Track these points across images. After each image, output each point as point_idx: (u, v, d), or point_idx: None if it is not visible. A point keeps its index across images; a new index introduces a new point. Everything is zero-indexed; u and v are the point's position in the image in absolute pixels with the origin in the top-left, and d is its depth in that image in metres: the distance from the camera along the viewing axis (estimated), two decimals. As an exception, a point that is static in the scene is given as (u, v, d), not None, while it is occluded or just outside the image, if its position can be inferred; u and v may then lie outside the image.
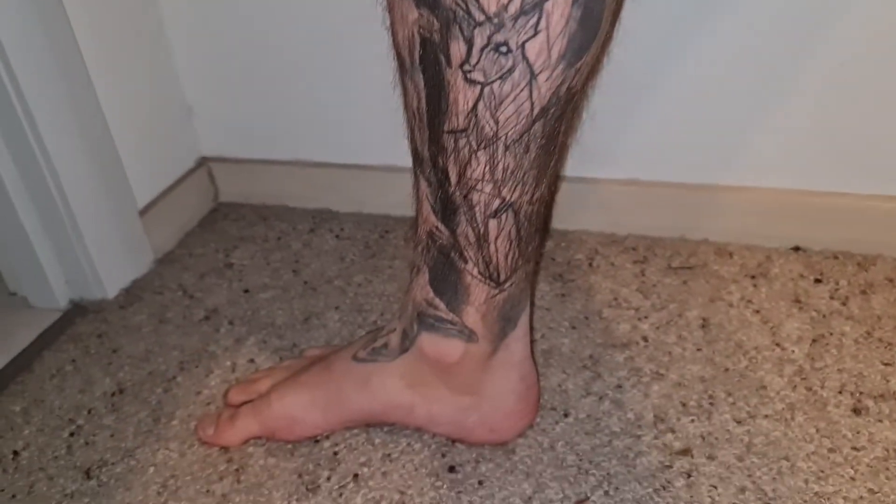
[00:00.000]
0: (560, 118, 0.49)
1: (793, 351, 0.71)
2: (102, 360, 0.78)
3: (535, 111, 0.47)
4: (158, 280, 0.91)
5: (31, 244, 0.85)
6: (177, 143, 1.01)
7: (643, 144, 0.86)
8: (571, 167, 0.89)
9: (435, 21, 0.44)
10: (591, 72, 0.49)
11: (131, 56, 0.91)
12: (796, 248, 0.85)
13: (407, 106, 0.52)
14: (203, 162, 1.04)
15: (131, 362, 0.77)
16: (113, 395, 0.73)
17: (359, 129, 0.96)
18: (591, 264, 0.86)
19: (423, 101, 0.49)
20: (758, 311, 0.77)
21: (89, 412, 0.72)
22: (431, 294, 0.59)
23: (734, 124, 0.82)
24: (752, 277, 0.81)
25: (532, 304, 0.68)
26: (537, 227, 0.57)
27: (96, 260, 0.86)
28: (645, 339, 0.74)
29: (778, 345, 0.72)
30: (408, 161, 0.92)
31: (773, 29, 0.75)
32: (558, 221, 0.92)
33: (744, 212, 0.86)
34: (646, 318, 0.77)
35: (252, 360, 0.76)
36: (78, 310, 0.87)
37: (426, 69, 0.47)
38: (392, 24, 0.49)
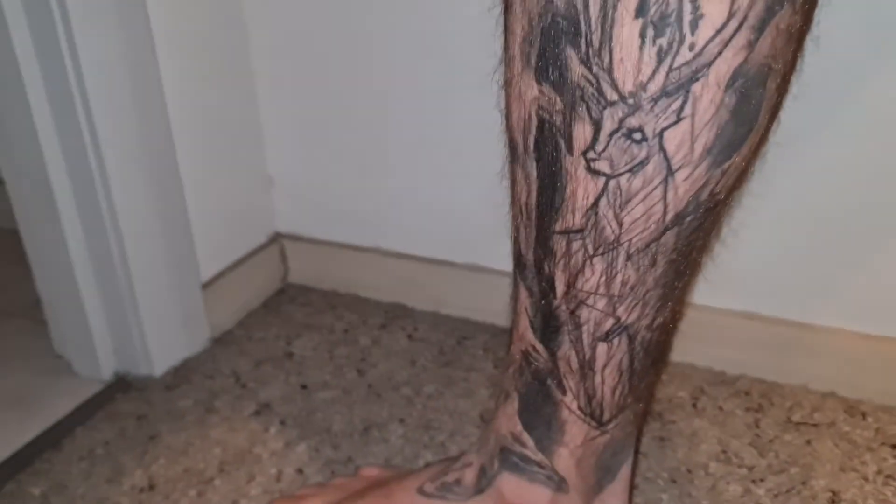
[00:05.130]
0: (697, 230, 0.42)
1: (945, 548, 0.61)
2: (137, 446, 0.73)
3: (669, 217, 0.40)
4: (211, 362, 0.86)
5: (83, 306, 0.82)
6: (252, 215, 0.98)
7: (768, 273, 0.78)
8: (681, 290, 0.82)
9: (558, 100, 0.39)
10: (739, 177, 0.43)
11: (218, 120, 0.89)
12: (944, 417, 0.75)
13: (514, 200, 0.46)
14: (276, 238, 1.01)
15: (168, 454, 0.72)
16: (142, 490, 0.68)
17: (445, 223, 0.91)
18: (695, 405, 0.77)
19: (535, 193, 0.43)
20: (899, 490, 0.66)
21: (113, 507, 0.66)
22: (519, 427, 0.52)
23: (877, 265, 0.74)
24: (893, 447, 0.71)
25: (636, 454, 0.60)
26: (654, 358, 0.49)
27: (148, 332, 0.82)
28: (760, 506, 0.65)
29: (925, 537, 0.62)
30: (495, 262, 0.88)
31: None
32: (660, 350, 0.85)
33: (882, 366, 0.76)
34: (761, 480, 0.68)
35: (300, 471, 0.69)
36: (121, 384, 0.83)
37: (541, 156, 0.42)
38: (507, 102, 0.44)
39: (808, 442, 0.72)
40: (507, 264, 0.50)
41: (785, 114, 0.65)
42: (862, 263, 0.75)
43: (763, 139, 0.43)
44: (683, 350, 0.83)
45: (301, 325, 0.93)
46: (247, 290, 0.96)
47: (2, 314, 0.98)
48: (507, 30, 0.42)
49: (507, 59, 0.42)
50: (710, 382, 0.81)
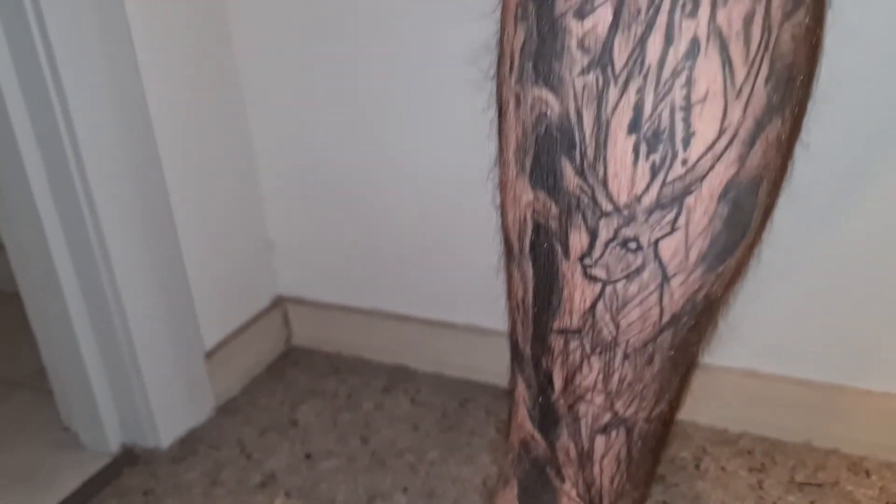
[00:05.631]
0: (693, 328, 0.43)
1: None
2: (144, 524, 0.74)
3: (665, 319, 0.41)
4: (217, 432, 0.87)
5: (88, 378, 0.83)
6: (254, 279, 0.99)
7: (766, 331, 0.79)
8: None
9: (553, 206, 0.40)
10: (734, 277, 0.44)
11: (217, 185, 0.91)
12: (948, 473, 0.75)
13: (511, 295, 0.47)
14: (279, 301, 1.02)
15: (174, 532, 0.73)
16: (149, 572, 0.68)
17: (445, 284, 0.92)
18: (697, 466, 0.78)
19: (531, 293, 0.44)
20: (903, 553, 0.67)
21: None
22: (519, 513, 0.52)
23: (874, 320, 0.74)
24: (897, 508, 0.71)
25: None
26: (652, 447, 0.50)
27: (154, 404, 0.83)
28: (764, 574, 0.65)
29: None
30: (496, 323, 0.89)
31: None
32: (662, 408, 0.85)
33: (885, 422, 0.76)
34: (766, 546, 0.68)
35: (306, 548, 0.70)
36: (128, 457, 0.84)
37: (537, 258, 0.42)
38: (503, 203, 0.44)
39: (812, 503, 0.72)
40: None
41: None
42: (860, 321, 0.75)
43: (756, 240, 0.43)
44: (685, 409, 0.84)
45: (305, 390, 0.94)
46: (251, 356, 0.97)
47: (8, 383, 0.99)
48: (501, 134, 0.42)
49: (502, 163, 0.43)
50: (713, 441, 0.81)
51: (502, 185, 0.43)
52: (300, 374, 0.97)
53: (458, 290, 0.91)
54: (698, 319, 0.42)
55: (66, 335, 0.81)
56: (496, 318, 0.87)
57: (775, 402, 0.81)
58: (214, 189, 0.90)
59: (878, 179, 0.70)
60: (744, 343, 0.80)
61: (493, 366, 0.85)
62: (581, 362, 0.44)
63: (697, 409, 0.83)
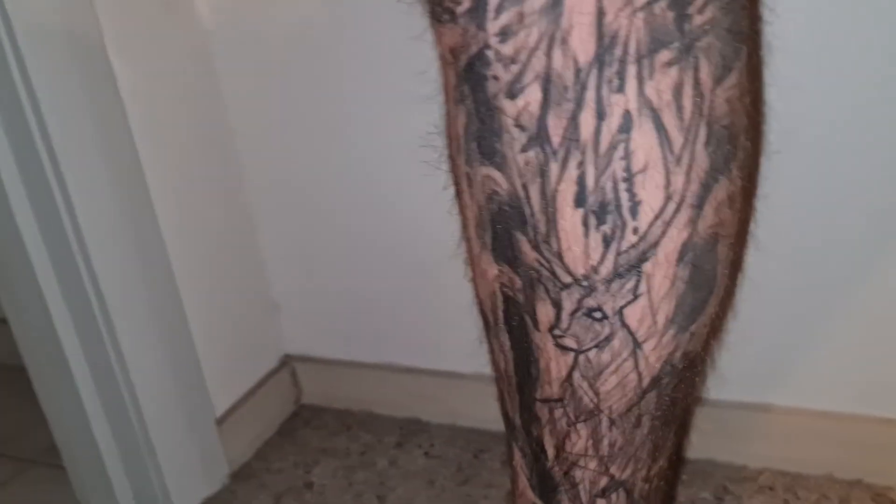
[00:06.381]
0: (677, 387, 0.43)
1: None
2: None
3: (645, 382, 0.41)
4: (232, 500, 0.86)
5: (101, 454, 0.83)
6: (260, 341, 0.99)
7: (778, 364, 0.78)
8: (693, 387, 0.81)
9: (517, 279, 0.40)
10: (711, 332, 0.43)
11: (218, 251, 0.91)
12: (976, 498, 0.74)
13: (494, 366, 0.47)
14: (287, 361, 1.02)
15: None
16: None
17: (452, 334, 0.92)
18: (719, 506, 0.77)
19: (511, 364, 0.44)
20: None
21: None
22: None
23: (893, 345, 0.74)
24: (925, 540, 0.70)
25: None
26: (660, 501, 0.49)
27: (167, 476, 0.83)
28: None
29: None
30: (506, 370, 0.88)
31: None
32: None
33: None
34: (793, 589, 0.67)
35: None
36: (143, 532, 0.83)
37: (511, 330, 0.43)
38: (473, 277, 0.45)
39: (838, 539, 0.71)
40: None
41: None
42: (877, 348, 0.74)
43: (728, 296, 0.44)
44: (702, 446, 0.83)
45: (318, 450, 0.93)
46: (262, 419, 0.97)
47: (22, 461, 0.99)
48: (460, 212, 0.43)
49: (466, 238, 0.43)
50: (733, 479, 0.80)
51: (470, 260, 0.44)
52: (312, 434, 0.96)
53: (467, 340, 0.90)
54: (681, 377, 0.42)
55: (75, 411, 0.81)
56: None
57: (794, 436, 0.79)
58: (216, 254, 0.91)
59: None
60: (756, 377, 0.79)
61: (506, 414, 0.85)
62: (568, 429, 0.44)
63: (714, 446, 0.82)
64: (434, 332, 0.93)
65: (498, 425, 0.90)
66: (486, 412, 0.91)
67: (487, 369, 0.89)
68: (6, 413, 1.10)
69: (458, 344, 0.91)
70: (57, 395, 0.82)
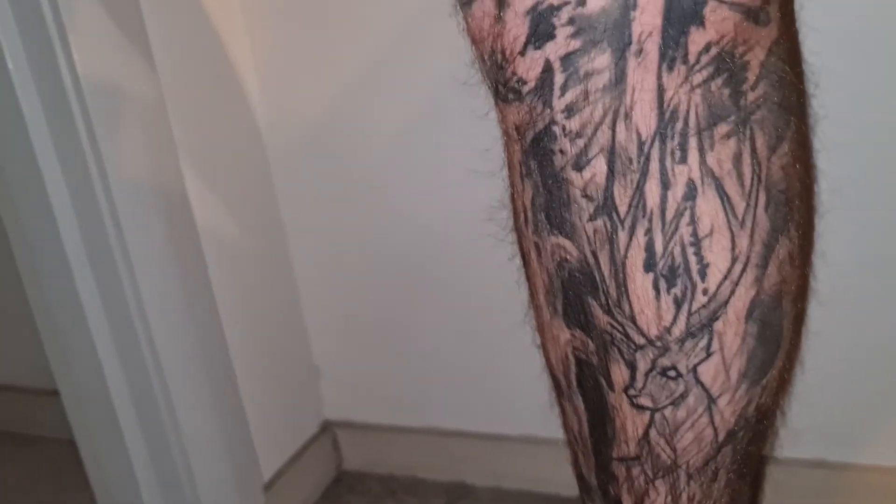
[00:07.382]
0: (752, 440, 0.44)
1: None
2: None
3: (721, 437, 0.42)
4: (279, 570, 0.85)
5: (152, 525, 0.82)
6: (302, 406, 1.00)
7: (832, 419, 0.79)
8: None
9: (590, 343, 0.42)
10: (781, 385, 0.45)
11: (264, 318, 0.93)
12: None
13: (567, 429, 0.49)
14: (327, 426, 1.02)
15: None
16: None
17: (497, 396, 0.93)
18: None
19: (586, 425, 0.46)
20: None
21: None
22: None
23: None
24: None
25: None
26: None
27: (218, 549, 0.82)
28: None
29: None
30: (551, 432, 0.88)
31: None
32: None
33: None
34: None
35: None
36: None
37: (585, 392, 0.44)
38: (543, 344, 0.47)
39: None
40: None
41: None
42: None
43: (794, 347, 0.46)
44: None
45: (364, 516, 0.93)
46: (306, 485, 0.97)
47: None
48: (529, 281, 0.45)
49: (535, 307, 0.45)
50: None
51: (539, 328, 0.46)
52: (356, 500, 0.96)
53: (512, 401, 0.92)
54: (755, 430, 0.44)
55: (126, 480, 0.81)
56: (552, 427, 0.87)
57: (847, 491, 0.80)
58: (262, 322, 0.92)
59: None
60: (810, 432, 0.80)
61: (553, 476, 0.85)
62: (647, 487, 0.45)
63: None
64: (478, 394, 0.93)
65: (544, 486, 0.91)
66: (532, 473, 0.92)
67: (533, 430, 0.91)
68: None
69: (504, 406, 0.93)
70: (107, 465, 0.82)
